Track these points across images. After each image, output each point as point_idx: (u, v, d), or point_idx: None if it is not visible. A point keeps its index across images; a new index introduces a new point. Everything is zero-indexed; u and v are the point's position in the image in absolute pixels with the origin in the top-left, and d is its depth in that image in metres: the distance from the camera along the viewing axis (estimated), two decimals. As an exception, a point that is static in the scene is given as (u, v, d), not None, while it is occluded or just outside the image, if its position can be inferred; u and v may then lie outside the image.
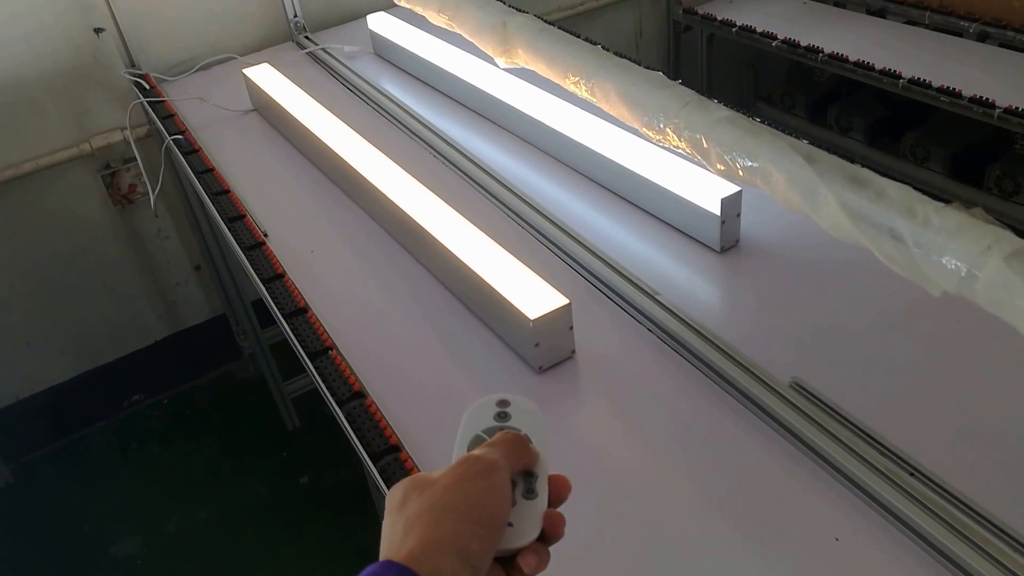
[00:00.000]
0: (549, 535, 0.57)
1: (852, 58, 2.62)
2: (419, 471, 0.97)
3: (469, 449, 0.60)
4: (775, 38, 2.83)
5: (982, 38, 2.66)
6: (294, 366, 2.56)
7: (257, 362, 2.67)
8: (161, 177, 2.14)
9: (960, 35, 2.71)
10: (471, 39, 1.25)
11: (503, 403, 0.64)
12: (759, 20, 2.94)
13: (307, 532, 2.34)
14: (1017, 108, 2.26)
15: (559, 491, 0.60)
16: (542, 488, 0.59)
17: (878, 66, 2.56)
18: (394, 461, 1.06)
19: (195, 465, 2.61)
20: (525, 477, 0.59)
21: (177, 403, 2.85)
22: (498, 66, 1.22)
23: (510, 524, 0.56)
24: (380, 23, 2.25)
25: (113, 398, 2.81)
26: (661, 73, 1.03)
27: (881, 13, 2.96)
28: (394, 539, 0.52)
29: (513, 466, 0.57)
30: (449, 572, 0.49)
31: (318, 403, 2.58)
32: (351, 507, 2.34)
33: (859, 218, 0.79)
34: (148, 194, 2.41)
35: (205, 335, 2.88)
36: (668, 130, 0.99)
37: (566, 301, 1.17)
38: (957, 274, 0.70)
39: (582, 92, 1.11)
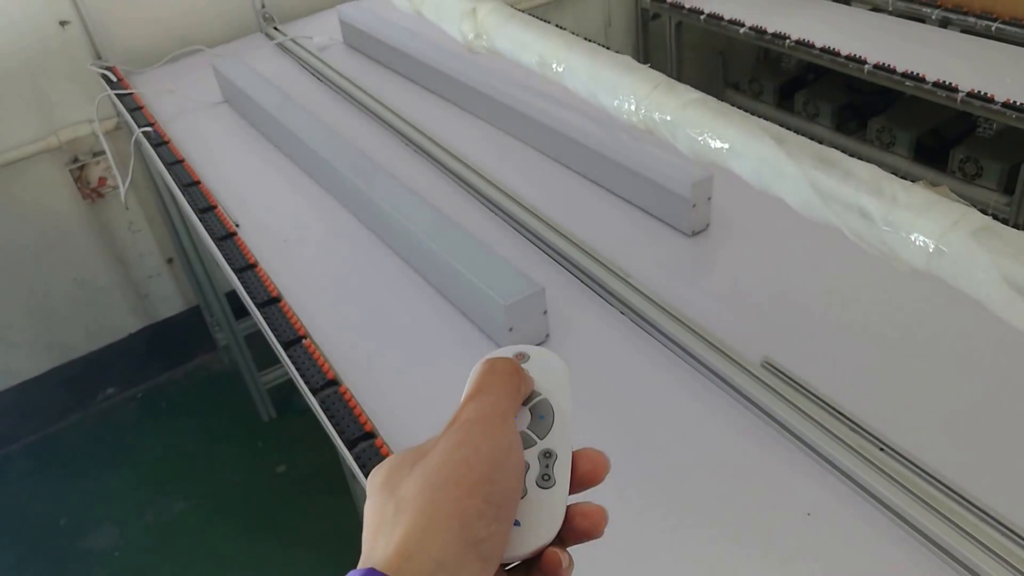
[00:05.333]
0: (571, 534, 0.45)
1: (819, 44, 2.65)
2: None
3: None
4: (743, 25, 2.85)
5: (944, 24, 2.70)
6: (269, 356, 2.56)
7: (231, 353, 2.66)
8: (131, 170, 2.13)
9: (923, 21, 2.74)
10: (441, 26, 1.26)
11: (521, 356, 0.52)
12: (727, 7, 2.96)
13: (285, 520, 2.35)
14: (979, 92, 2.29)
15: (592, 472, 0.47)
16: (562, 472, 0.47)
17: (844, 52, 2.58)
18: (369, 447, 1.06)
19: (170, 457, 2.61)
20: (542, 457, 0.47)
21: (151, 396, 2.84)
22: (469, 51, 1.22)
23: (516, 523, 0.44)
24: (350, 13, 2.24)
25: (87, 392, 2.79)
26: (630, 57, 1.04)
27: (846, 0, 2.99)
28: (382, 523, 0.41)
29: (516, 405, 0.47)
30: (454, 565, 0.39)
31: (293, 393, 2.60)
32: (328, 493, 2.35)
33: (828, 197, 0.80)
34: (118, 187, 2.40)
35: (179, 327, 2.87)
36: (638, 112, 1.00)
37: (540, 286, 1.18)
38: (925, 250, 0.72)
39: (552, 76, 1.11)
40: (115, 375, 2.82)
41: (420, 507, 0.40)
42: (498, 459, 0.43)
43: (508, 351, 0.52)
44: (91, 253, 2.60)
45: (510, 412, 0.46)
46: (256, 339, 2.56)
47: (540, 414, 0.49)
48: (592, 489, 0.48)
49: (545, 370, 0.51)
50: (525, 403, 0.49)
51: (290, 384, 2.59)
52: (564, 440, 0.48)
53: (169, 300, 2.83)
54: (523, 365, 0.50)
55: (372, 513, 0.43)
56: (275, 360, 2.55)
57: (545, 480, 0.46)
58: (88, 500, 2.49)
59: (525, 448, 0.47)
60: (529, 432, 0.48)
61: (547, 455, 0.47)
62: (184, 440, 2.66)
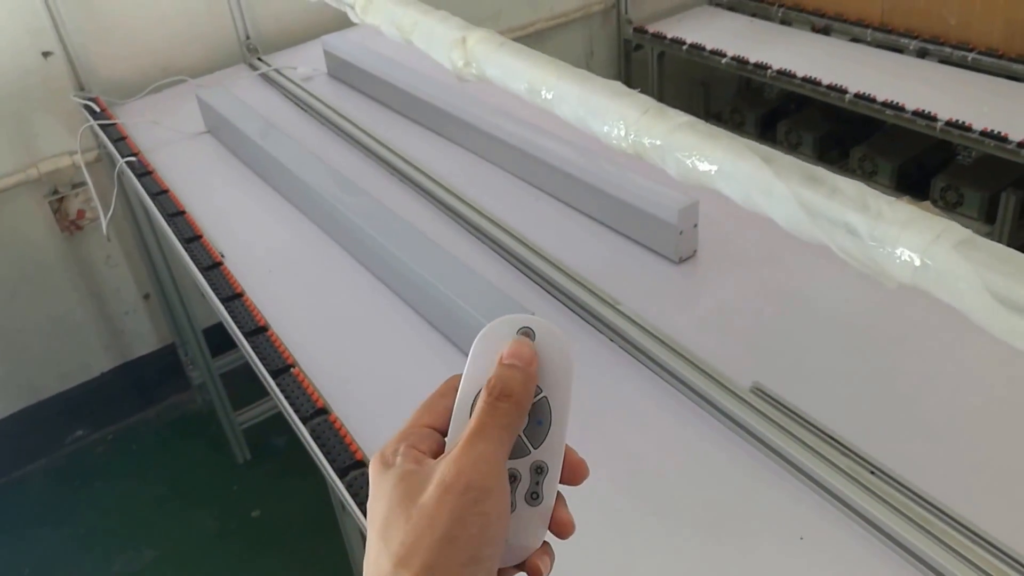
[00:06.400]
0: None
1: (800, 74, 2.68)
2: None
3: (472, 407, 0.48)
4: (724, 55, 2.89)
5: (922, 54, 2.74)
6: (244, 396, 2.54)
7: (206, 392, 2.61)
8: (114, 201, 2.11)
9: (901, 52, 2.79)
10: (431, 54, 1.26)
11: (527, 332, 0.49)
12: (709, 38, 3.00)
13: (260, 566, 2.28)
14: (958, 120, 2.33)
15: (570, 477, 0.49)
16: (550, 488, 0.47)
17: (825, 81, 2.62)
18: (360, 476, 1.05)
19: (142, 501, 2.52)
20: (533, 472, 0.47)
21: (122, 437, 2.75)
22: (459, 79, 1.23)
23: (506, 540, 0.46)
24: (334, 44, 2.25)
25: (55, 434, 2.70)
26: (620, 82, 1.04)
27: (826, 31, 3.04)
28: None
29: (512, 442, 0.48)
30: None
31: (270, 434, 2.55)
32: (306, 539, 2.29)
33: (816, 214, 0.80)
34: (96, 219, 2.38)
35: (152, 366, 2.80)
36: (628, 137, 1.00)
37: (529, 312, 1.17)
38: (911, 264, 0.72)
39: (541, 102, 1.11)
40: (85, 416, 2.73)
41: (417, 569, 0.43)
42: (486, 536, 0.44)
43: (513, 321, 0.49)
44: (67, 288, 2.56)
45: (503, 460, 0.47)
46: (232, 378, 2.53)
47: (538, 418, 0.48)
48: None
49: (549, 354, 0.48)
50: None
51: (266, 424, 2.58)
52: (557, 450, 0.48)
53: (144, 337, 2.78)
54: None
55: (372, 555, 0.45)
56: (252, 398, 2.53)
57: (533, 498, 0.47)
58: (53, 549, 2.40)
59: (518, 457, 0.47)
60: (524, 438, 0.48)
61: (538, 470, 0.47)
62: (155, 484, 2.57)
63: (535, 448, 0.47)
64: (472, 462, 0.45)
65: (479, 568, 0.44)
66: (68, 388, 2.68)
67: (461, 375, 0.50)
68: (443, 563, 0.43)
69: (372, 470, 0.48)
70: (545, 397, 0.48)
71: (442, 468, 0.45)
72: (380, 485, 0.47)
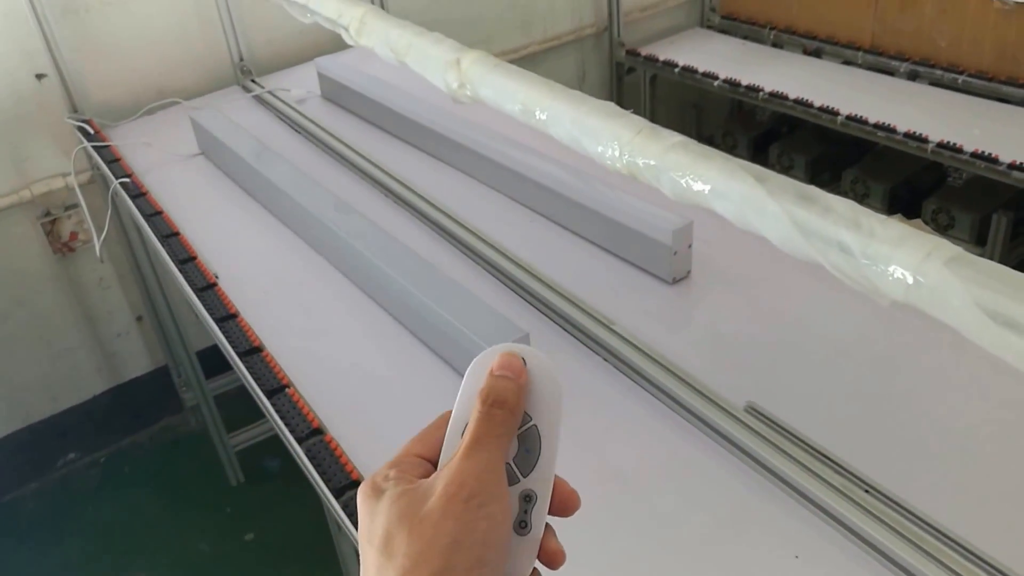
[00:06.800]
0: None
1: (792, 96, 2.69)
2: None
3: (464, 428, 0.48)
4: (716, 78, 2.90)
5: (912, 76, 2.76)
6: (238, 418, 2.52)
7: (199, 415, 2.60)
8: (107, 222, 2.11)
9: (892, 74, 2.81)
10: (426, 76, 1.26)
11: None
12: (701, 61, 3.02)
13: (255, 590, 2.26)
14: (948, 142, 2.34)
15: (561, 507, 0.49)
16: (539, 518, 0.47)
17: (817, 103, 2.63)
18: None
19: (134, 525, 2.50)
20: (522, 501, 0.46)
21: (115, 460, 2.73)
22: (454, 101, 1.23)
23: None
24: (328, 66, 2.25)
25: (47, 457, 2.69)
26: (613, 103, 1.05)
27: (817, 53, 3.06)
28: None
29: (508, 444, 0.48)
30: None
31: (263, 456, 2.53)
32: (300, 562, 2.27)
33: (809, 233, 0.81)
34: (89, 242, 2.37)
35: (145, 388, 2.79)
36: (622, 158, 1.00)
37: (525, 332, 1.17)
38: (904, 282, 0.73)
39: (535, 123, 1.12)
40: (77, 439, 2.71)
41: None
42: (491, 539, 0.44)
43: (503, 349, 0.49)
44: (59, 310, 2.55)
45: (502, 468, 0.46)
46: (225, 400, 2.52)
47: (527, 447, 0.48)
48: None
49: (539, 383, 0.48)
50: None
51: (259, 447, 2.57)
52: (547, 479, 0.47)
53: (136, 359, 2.77)
54: None
55: (372, 570, 0.45)
56: (246, 420, 2.52)
57: (522, 527, 0.46)
58: (45, 573, 2.37)
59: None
60: (513, 466, 0.47)
61: (527, 498, 0.46)
62: (148, 507, 2.55)
63: (524, 476, 0.47)
64: (473, 470, 0.46)
65: (485, 571, 0.44)
66: (60, 411, 2.66)
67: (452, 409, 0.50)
68: (451, 569, 0.43)
69: (362, 496, 0.47)
70: (534, 425, 0.48)
71: (443, 478, 0.45)
72: (375, 507, 0.46)
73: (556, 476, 0.48)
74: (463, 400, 0.49)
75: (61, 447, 2.70)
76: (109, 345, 2.69)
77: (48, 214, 2.41)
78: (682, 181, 0.95)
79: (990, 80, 2.57)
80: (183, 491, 2.61)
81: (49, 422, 2.65)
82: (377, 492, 0.47)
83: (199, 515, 2.51)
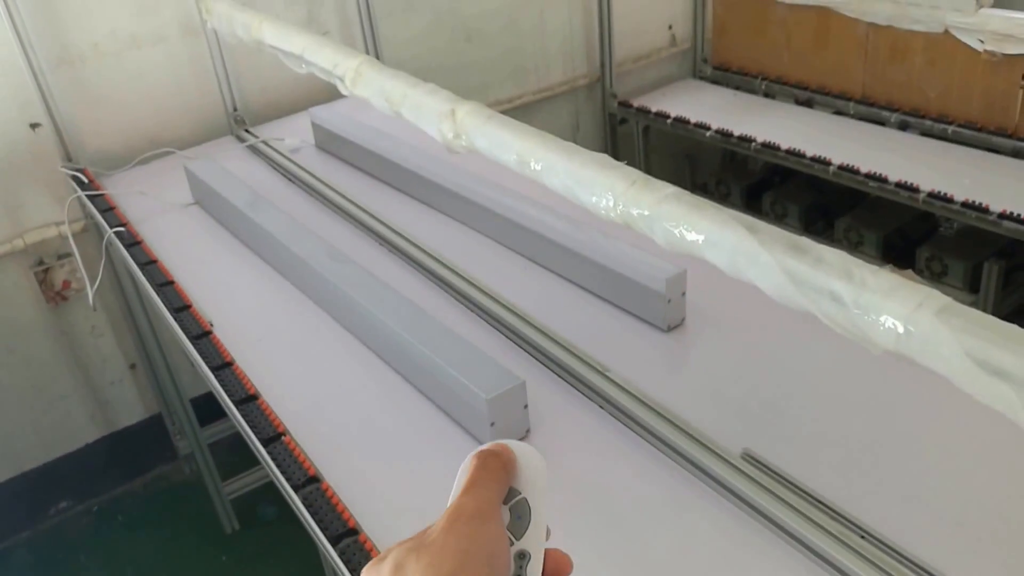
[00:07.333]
0: None
1: (784, 146, 2.72)
2: (379, 552, 0.95)
3: None
4: (709, 128, 2.93)
5: (903, 127, 2.79)
6: (232, 466, 2.50)
7: (194, 463, 2.58)
8: (101, 271, 2.11)
9: (883, 124, 2.84)
10: (421, 126, 1.28)
11: None
12: (693, 111, 3.05)
13: (250, 640, 2.23)
14: (940, 192, 2.36)
15: (555, 571, 0.51)
16: (534, 574, 0.50)
17: (809, 153, 2.66)
18: (353, 543, 1.05)
19: (128, 574, 2.47)
20: (516, 559, 0.50)
21: (108, 509, 2.71)
22: (449, 151, 1.25)
23: None
24: (322, 115, 2.27)
25: (38, 506, 2.66)
26: (607, 155, 1.06)
27: (808, 104, 3.09)
28: None
29: (502, 491, 0.51)
30: None
31: (258, 503, 2.50)
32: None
33: (801, 283, 0.82)
34: (82, 290, 2.37)
35: (138, 436, 2.77)
36: (616, 208, 1.01)
37: (520, 379, 1.17)
38: (895, 332, 0.74)
39: (530, 174, 1.13)
40: (69, 487, 2.69)
41: None
42: (495, 552, 0.47)
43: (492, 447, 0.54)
44: (52, 358, 2.54)
45: (499, 506, 0.50)
46: (220, 448, 2.50)
47: (518, 514, 0.52)
48: None
49: (526, 467, 0.53)
50: (505, 501, 0.52)
51: (254, 494, 2.54)
52: (539, 542, 0.51)
53: (130, 407, 2.75)
54: None
55: None
56: (240, 468, 2.50)
57: None
58: (37, 624, 2.35)
59: None
60: (507, 532, 0.51)
61: (521, 556, 0.50)
62: (142, 556, 2.53)
63: (517, 540, 0.50)
64: (472, 500, 0.49)
65: None
66: (53, 459, 2.64)
67: None
68: (463, 571, 0.45)
69: (367, 568, 0.49)
70: (524, 497, 0.52)
71: (444, 515, 0.49)
72: (380, 566, 0.48)
73: (548, 547, 0.51)
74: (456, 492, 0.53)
75: (54, 495, 2.68)
76: (102, 393, 2.67)
77: (41, 263, 2.41)
78: (675, 231, 0.96)
79: (979, 130, 2.60)
80: (178, 539, 2.58)
81: (42, 470, 2.62)
82: (380, 557, 0.49)
83: (194, 564, 2.48)
